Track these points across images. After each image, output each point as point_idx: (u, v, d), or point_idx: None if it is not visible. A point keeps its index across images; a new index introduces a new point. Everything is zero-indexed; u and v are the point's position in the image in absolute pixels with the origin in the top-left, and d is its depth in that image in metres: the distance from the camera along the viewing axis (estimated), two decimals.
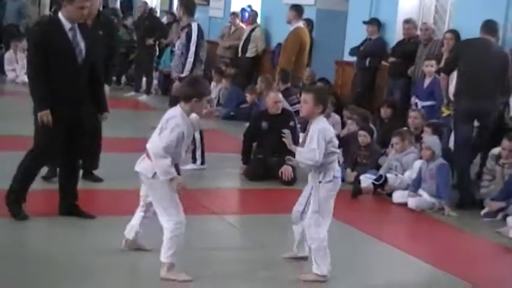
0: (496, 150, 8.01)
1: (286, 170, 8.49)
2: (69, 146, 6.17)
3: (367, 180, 8.37)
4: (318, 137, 5.17)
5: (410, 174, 8.24)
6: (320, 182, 5.31)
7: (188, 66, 8.69)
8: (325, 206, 5.32)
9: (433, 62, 9.56)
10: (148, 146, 5.09)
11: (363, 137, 8.97)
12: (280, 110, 8.84)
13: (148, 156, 5.07)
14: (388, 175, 8.33)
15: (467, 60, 8.01)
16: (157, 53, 16.40)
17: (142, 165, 5.14)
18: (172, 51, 16.53)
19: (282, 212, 7.41)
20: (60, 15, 6.07)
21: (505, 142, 7.78)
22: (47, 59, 5.94)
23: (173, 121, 4.98)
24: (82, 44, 6.07)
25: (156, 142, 5.00)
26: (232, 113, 13.18)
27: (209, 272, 5.43)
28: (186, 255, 5.71)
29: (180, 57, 8.83)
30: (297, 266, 5.63)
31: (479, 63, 7.91)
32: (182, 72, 8.67)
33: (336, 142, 5.38)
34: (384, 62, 11.31)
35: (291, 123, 8.75)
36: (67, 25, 6.01)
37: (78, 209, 6.30)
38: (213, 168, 9.12)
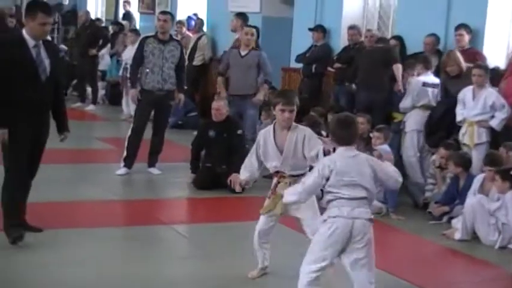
0: (435, 156, 8.16)
1: (234, 178, 8.46)
2: (29, 164, 6.02)
3: None
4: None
5: None
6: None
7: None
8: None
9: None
10: None
11: None
12: (224, 118, 8.83)
13: None
14: None
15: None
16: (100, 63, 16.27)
17: None
18: (118, 61, 16.47)
19: (230, 220, 7.45)
20: (24, 32, 5.89)
21: (442, 151, 7.96)
22: (7, 77, 5.72)
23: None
24: (47, 62, 5.90)
25: None
26: (180, 122, 13.13)
27: (163, 280, 5.40)
28: (136, 264, 5.70)
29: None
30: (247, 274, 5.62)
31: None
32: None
33: None
34: (329, 68, 11.39)
35: (239, 132, 8.78)
36: (31, 42, 5.83)
37: (26, 224, 6.14)
38: (162, 178, 9.10)
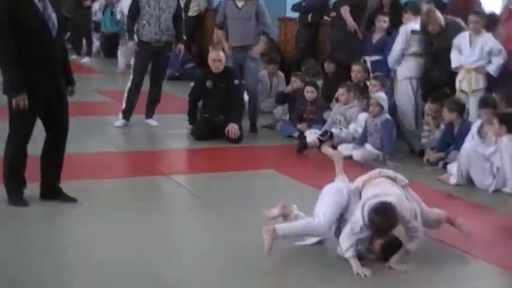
0: (427, 106, 8.24)
1: (232, 128, 8.56)
2: (53, 122, 5.86)
3: (312, 135, 8.49)
4: None
5: (355, 127, 8.38)
6: None
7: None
8: None
9: (387, 18, 9.55)
10: None
11: (310, 93, 9.05)
12: (221, 69, 8.85)
13: None
14: (333, 130, 8.46)
15: None
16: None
17: None
18: (112, 13, 16.38)
19: (229, 170, 7.53)
20: None
21: (429, 105, 8.04)
22: (18, 37, 5.47)
23: None
24: (54, 16, 5.62)
25: None
26: (176, 74, 13.15)
27: (159, 232, 5.48)
28: (137, 215, 5.80)
29: None
30: (246, 223, 5.71)
31: None
32: None
33: None
34: (325, 17, 11.35)
35: (236, 82, 8.81)
36: None
37: (62, 192, 6.01)
38: (160, 129, 9.17)
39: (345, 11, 9.78)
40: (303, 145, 8.33)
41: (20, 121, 5.67)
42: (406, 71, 8.66)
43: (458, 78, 8.16)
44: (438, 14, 8.45)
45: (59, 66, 5.78)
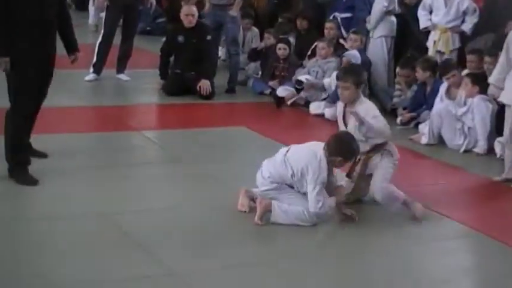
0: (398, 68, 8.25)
1: (204, 84, 8.49)
2: (40, 88, 5.56)
3: (283, 91, 8.46)
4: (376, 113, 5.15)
5: (329, 81, 8.35)
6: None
7: None
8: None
9: None
10: None
11: (282, 50, 9.00)
12: (194, 23, 8.74)
13: None
14: (306, 76, 8.43)
15: None
16: None
17: None
18: None
19: (200, 126, 7.50)
20: None
21: (399, 70, 8.04)
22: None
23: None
24: None
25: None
26: (148, 28, 12.98)
27: (132, 185, 5.47)
28: (110, 169, 5.76)
29: None
30: (216, 178, 5.71)
31: None
32: None
33: None
34: None
35: (208, 37, 8.71)
36: None
37: (31, 149, 5.79)
38: (131, 84, 9.08)
39: None
40: (279, 100, 8.31)
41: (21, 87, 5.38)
42: (381, 29, 8.64)
43: (433, 38, 8.15)
44: None
45: (51, 31, 5.47)
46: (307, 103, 8.38)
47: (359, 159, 5.12)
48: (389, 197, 5.08)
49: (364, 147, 5.05)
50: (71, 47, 5.76)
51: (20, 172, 5.39)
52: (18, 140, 5.46)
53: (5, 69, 5.28)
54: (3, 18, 5.19)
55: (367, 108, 5.11)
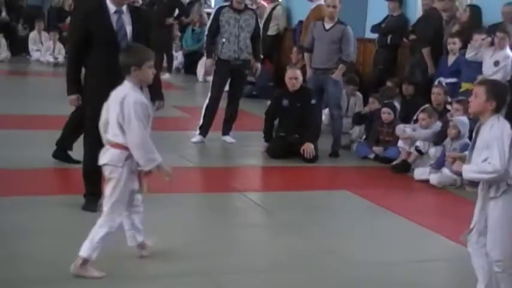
0: None
1: (307, 148, 8.55)
2: None
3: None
4: (499, 144, 4.29)
5: (434, 152, 8.25)
6: (492, 197, 4.41)
7: None
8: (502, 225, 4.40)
9: (456, 40, 9.52)
10: (112, 135, 4.67)
11: (387, 114, 8.98)
12: (298, 87, 8.86)
13: (114, 146, 4.65)
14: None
15: None
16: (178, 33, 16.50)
17: (108, 156, 4.66)
18: (193, 30, 16.66)
19: (304, 189, 7.51)
20: None
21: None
22: (86, 43, 5.87)
23: (130, 99, 4.61)
24: (128, 28, 5.88)
25: (130, 131, 4.56)
26: (254, 93, 13.22)
27: (231, 247, 5.49)
28: (212, 230, 5.83)
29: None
30: (316, 242, 5.68)
31: None
32: None
33: None
34: (405, 39, 11.26)
35: (312, 101, 8.80)
36: (112, 8, 5.86)
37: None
38: (236, 146, 9.23)
39: (427, 53, 9.92)
40: (405, 167, 8.37)
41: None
42: None
43: None
44: None
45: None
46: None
47: None
48: None
49: None
50: (155, 95, 6.27)
51: (89, 202, 5.95)
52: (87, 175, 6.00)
53: (76, 104, 6.06)
54: (78, 63, 5.97)
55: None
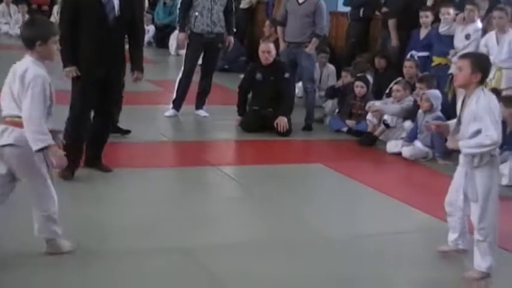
0: None
1: (281, 121, 8.57)
2: (102, 100, 6.19)
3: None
4: (490, 116, 4.37)
5: (409, 124, 8.31)
6: (476, 166, 4.51)
7: None
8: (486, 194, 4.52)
9: (428, 13, 9.53)
10: (12, 112, 4.32)
11: (360, 88, 9.02)
12: (271, 61, 8.86)
13: (16, 124, 4.29)
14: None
15: None
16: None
17: (12, 136, 4.29)
18: (165, 4, 16.54)
19: (278, 162, 7.54)
20: None
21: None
22: (76, 17, 5.96)
23: (30, 73, 4.28)
24: (116, 1, 6.02)
25: (24, 105, 4.23)
26: (226, 66, 13.19)
27: (209, 222, 5.51)
28: (186, 205, 5.84)
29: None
30: (292, 215, 5.73)
31: None
32: None
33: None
34: (377, 12, 11.28)
35: (286, 75, 8.81)
36: None
37: (99, 163, 6.41)
38: (209, 120, 9.23)
39: (392, 25, 10.07)
40: (371, 139, 8.42)
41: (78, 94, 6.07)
42: None
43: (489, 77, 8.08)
44: None
45: (114, 51, 6.04)
46: None
47: None
48: None
49: None
50: (133, 66, 6.38)
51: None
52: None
53: (75, 75, 6.01)
54: (71, 37, 5.93)
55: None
